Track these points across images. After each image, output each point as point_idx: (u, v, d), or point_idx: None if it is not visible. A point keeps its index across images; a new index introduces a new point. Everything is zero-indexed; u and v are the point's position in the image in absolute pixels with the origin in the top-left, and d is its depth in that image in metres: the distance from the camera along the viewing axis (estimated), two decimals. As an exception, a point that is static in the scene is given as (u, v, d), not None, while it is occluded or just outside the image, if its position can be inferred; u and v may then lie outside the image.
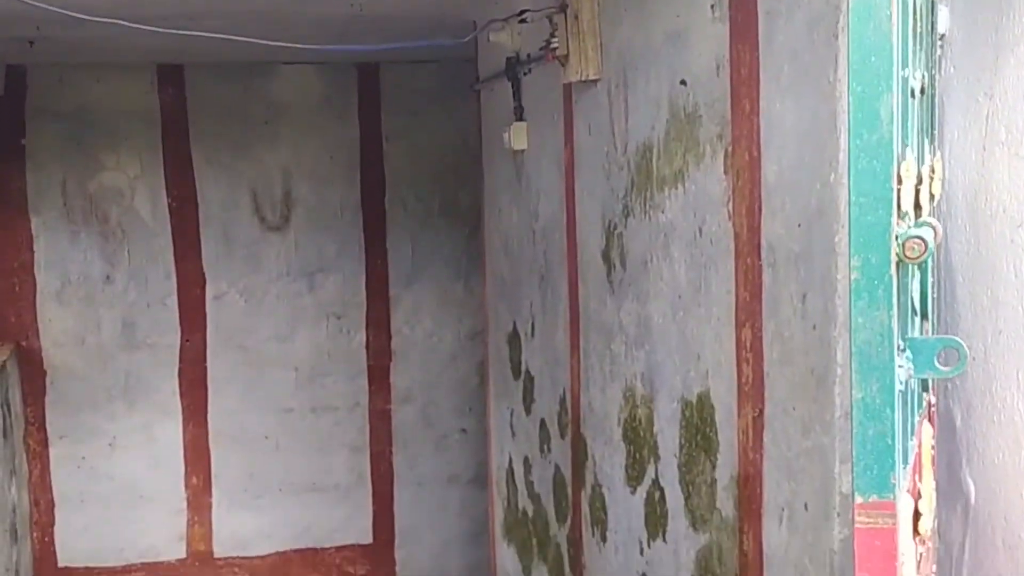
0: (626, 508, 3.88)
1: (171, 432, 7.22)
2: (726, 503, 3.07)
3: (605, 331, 3.98)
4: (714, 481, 3.14)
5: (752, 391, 2.86)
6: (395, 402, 7.48)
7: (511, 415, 5.47)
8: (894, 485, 1.76)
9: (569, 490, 4.55)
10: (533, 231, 4.89)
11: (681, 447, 3.37)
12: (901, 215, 1.83)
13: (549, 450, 4.84)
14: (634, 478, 3.78)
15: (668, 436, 3.47)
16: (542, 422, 4.91)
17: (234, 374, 7.26)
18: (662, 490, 3.54)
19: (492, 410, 5.96)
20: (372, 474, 7.49)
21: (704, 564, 3.24)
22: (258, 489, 7.35)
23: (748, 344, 2.87)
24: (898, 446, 1.77)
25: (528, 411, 5.15)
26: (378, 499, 7.51)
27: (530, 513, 5.20)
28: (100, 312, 7.09)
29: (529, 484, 5.20)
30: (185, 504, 7.27)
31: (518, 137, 4.83)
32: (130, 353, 7.13)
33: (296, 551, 7.45)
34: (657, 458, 3.57)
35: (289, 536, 7.42)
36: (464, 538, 7.58)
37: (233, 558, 7.37)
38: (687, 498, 3.35)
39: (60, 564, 7.17)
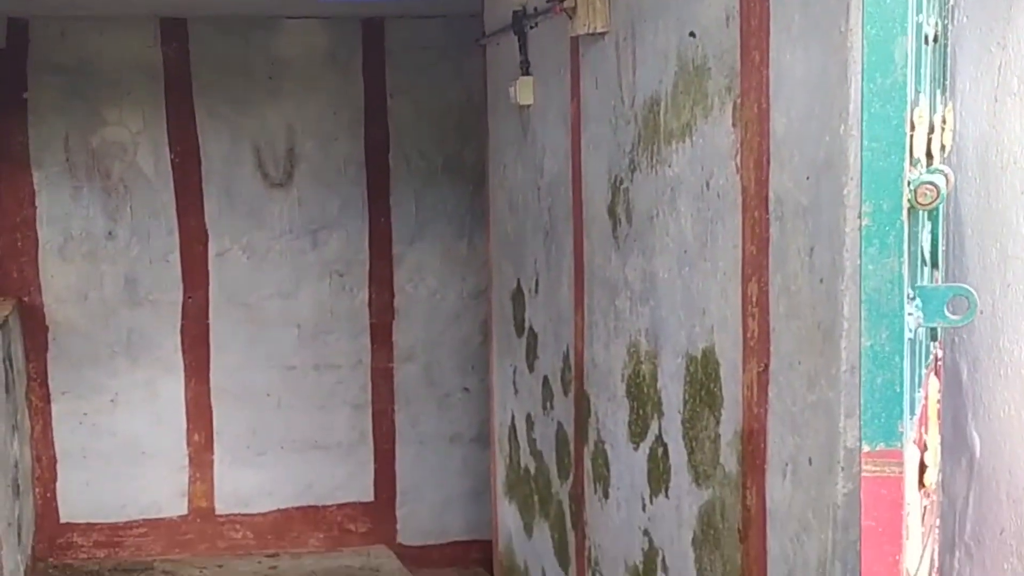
0: (629, 464, 3.87)
1: (173, 389, 7.19)
2: (729, 458, 3.06)
3: (610, 287, 3.96)
4: (718, 436, 3.13)
5: (758, 346, 2.84)
6: (397, 360, 7.44)
7: (514, 372, 5.46)
8: (901, 434, 1.74)
9: (571, 447, 4.54)
10: (538, 187, 4.87)
11: (685, 403, 3.36)
12: (913, 162, 1.81)
13: (552, 407, 4.83)
14: (637, 434, 3.77)
15: (672, 392, 3.46)
16: (545, 379, 4.90)
17: (236, 331, 7.23)
18: (665, 446, 3.53)
19: (495, 367, 5.95)
20: (374, 432, 7.47)
21: (707, 519, 3.23)
22: (260, 446, 7.34)
23: (754, 299, 2.85)
24: (906, 395, 1.76)
25: (531, 368, 5.13)
26: (380, 457, 7.50)
27: (532, 470, 5.20)
28: (102, 268, 7.05)
29: (531, 441, 5.19)
30: (187, 461, 7.26)
31: (524, 92, 4.79)
32: (132, 309, 7.11)
33: (297, 508, 7.44)
34: (660, 414, 3.56)
35: (290, 493, 7.42)
36: (466, 496, 7.57)
37: (235, 515, 7.38)
38: (690, 454, 3.33)
39: (62, 520, 7.17)
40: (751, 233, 2.85)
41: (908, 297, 1.78)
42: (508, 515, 5.75)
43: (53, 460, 7.12)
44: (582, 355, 4.35)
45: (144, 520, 7.27)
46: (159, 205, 7.06)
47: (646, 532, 3.73)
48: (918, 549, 1.97)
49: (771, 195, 2.73)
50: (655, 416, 3.61)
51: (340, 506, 7.50)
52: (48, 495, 7.14)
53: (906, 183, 1.72)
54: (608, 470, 4.10)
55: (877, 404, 1.73)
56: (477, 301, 7.32)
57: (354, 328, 7.38)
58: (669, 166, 3.37)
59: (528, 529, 5.33)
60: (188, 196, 7.09)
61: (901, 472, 1.74)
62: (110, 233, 7.04)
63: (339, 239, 7.28)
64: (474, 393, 7.46)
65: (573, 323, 4.44)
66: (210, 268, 7.17)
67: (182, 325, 7.18)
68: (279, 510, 7.43)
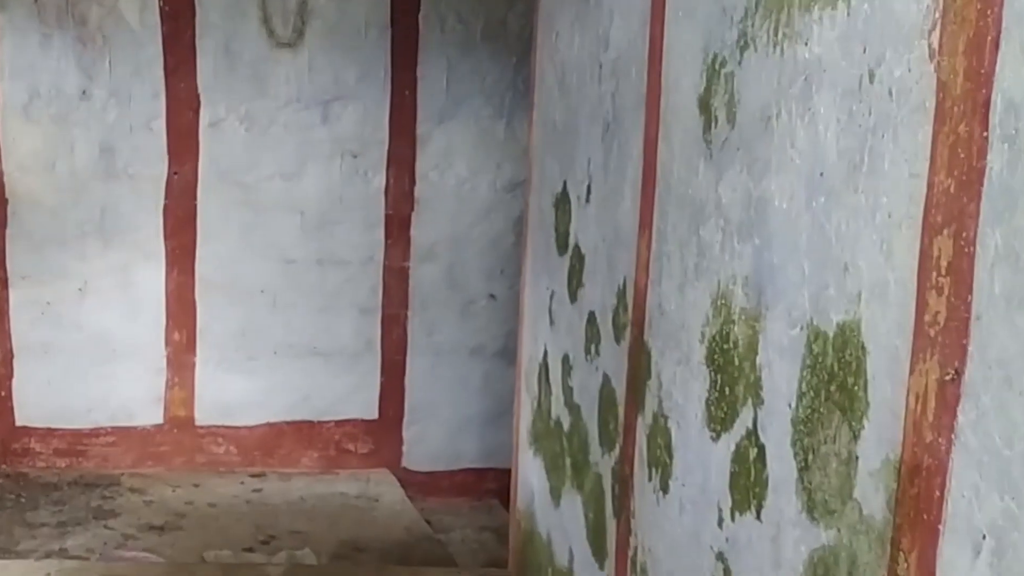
0: (701, 456, 2.98)
1: (152, 278, 6.75)
2: (873, 496, 2.13)
3: (693, 208, 3.07)
4: (853, 457, 2.21)
5: (944, 337, 1.91)
6: (415, 259, 7.00)
7: (551, 298, 4.66)
8: None
9: (620, 411, 3.71)
10: (600, 64, 4.00)
11: (801, 394, 2.43)
12: None
13: (597, 353, 4.02)
14: (719, 420, 2.86)
15: (780, 373, 2.53)
16: (591, 316, 4.08)
17: (229, 215, 6.75)
18: (761, 447, 2.62)
19: (528, 285, 5.20)
20: (383, 340, 7.04)
21: (824, 572, 2.29)
22: (250, 350, 6.91)
23: (944, 261, 1.92)
24: None
25: (573, 297, 4.33)
26: (388, 369, 7.07)
27: (565, 425, 4.40)
28: (74, 133, 6.53)
29: (567, 390, 4.40)
30: (165, 363, 6.86)
31: (590, -64, 3.87)
32: (107, 183, 6.59)
33: (289, 423, 7.04)
34: (759, 400, 2.63)
35: (282, 406, 7.01)
36: (484, 417, 7.23)
37: (217, 427, 6.97)
38: (803, 469, 2.41)
39: (18, 423, 6.80)
40: (949, 157, 1.91)
41: None
42: (531, 469, 4.98)
43: (9, 355, 6.72)
44: (644, 294, 3.49)
45: (113, 428, 6.87)
46: (143, 62, 6.55)
47: (721, 556, 2.82)
48: None
49: (996, 98, 1.80)
50: (749, 401, 2.69)
51: (339, 423, 7.09)
52: (3, 394, 6.80)
53: None
54: (670, 456, 3.22)
55: None
56: (513, 195, 6.91)
57: (367, 219, 6.88)
58: (805, 44, 2.42)
59: (555, 494, 4.53)
60: (178, 53, 6.53)
61: None
62: (84, 92, 6.48)
63: (354, 113, 6.74)
64: (501, 301, 7.09)
65: (635, 249, 3.58)
66: (201, 140, 6.64)
67: (165, 205, 6.67)
68: (268, 424, 7.02)
